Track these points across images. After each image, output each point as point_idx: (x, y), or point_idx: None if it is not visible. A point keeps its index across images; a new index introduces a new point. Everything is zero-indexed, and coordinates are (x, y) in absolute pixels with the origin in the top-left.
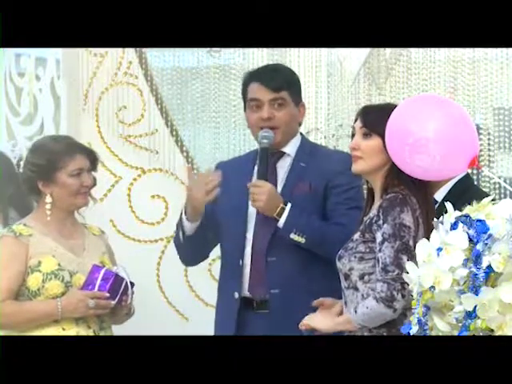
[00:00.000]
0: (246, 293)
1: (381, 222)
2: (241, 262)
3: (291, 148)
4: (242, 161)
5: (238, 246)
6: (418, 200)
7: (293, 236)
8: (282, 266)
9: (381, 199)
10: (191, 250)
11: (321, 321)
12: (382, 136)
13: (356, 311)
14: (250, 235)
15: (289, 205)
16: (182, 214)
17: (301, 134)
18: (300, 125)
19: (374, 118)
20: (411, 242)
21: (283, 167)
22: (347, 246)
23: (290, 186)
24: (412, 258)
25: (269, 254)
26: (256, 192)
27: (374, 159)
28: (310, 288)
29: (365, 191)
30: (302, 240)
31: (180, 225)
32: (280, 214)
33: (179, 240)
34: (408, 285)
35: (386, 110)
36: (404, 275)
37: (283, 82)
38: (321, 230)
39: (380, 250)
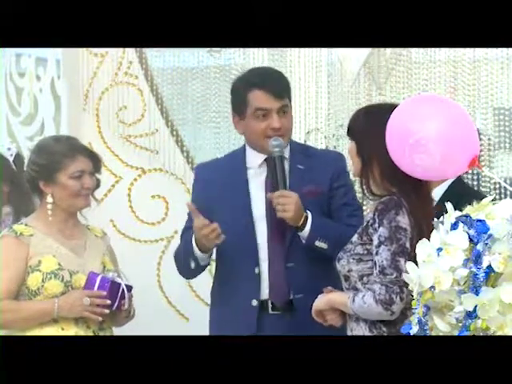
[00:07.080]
0: (265, 298)
1: (376, 225)
2: (257, 269)
3: (286, 151)
4: (228, 165)
5: (251, 253)
6: (412, 200)
7: (317, 243)
8: (302, 271)
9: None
10: (199, 272)
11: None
12: (357, 140)
13: (354, 299)
14: (261, 241)
15: (309, 213)
16: (193, 244)
17: None
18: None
19: (350, 123)
20: (408, 244)
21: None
22: (346, 248)
23: (294, 190)
24: (409, 259)
25: (288, 260)
26: (284, 202)
27: (354, 162)
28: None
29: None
30: (325, 246)
31: (191, 254)
32: (304, 223)
33: (188, 267)
34: (406, 287)
35: (362, 112)
36: (404, 276)
37: (285, 88)
38: (339, 234)
39: (377, 253)
